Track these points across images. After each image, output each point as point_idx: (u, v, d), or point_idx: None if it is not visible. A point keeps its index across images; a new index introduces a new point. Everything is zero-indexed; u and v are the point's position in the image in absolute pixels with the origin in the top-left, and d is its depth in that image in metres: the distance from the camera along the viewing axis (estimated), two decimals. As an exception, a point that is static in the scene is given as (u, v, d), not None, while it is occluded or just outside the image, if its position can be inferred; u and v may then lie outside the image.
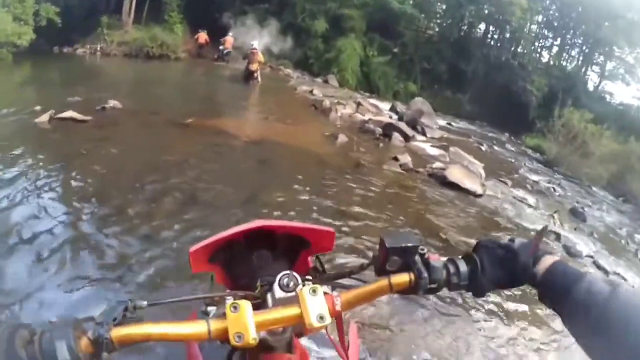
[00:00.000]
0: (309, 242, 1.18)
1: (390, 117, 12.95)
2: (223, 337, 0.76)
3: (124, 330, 0.70)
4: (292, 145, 7.72)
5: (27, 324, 0.66)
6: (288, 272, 0.91)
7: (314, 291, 0.81)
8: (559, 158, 16.07)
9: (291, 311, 0.80)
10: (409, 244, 0.85)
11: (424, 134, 12.08)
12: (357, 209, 5.34)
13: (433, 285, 0.84)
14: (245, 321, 0.75)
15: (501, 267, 0.83)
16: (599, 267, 6.07)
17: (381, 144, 9.42)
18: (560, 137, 16.79)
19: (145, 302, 0.78)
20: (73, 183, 4.70)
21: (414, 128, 11.64)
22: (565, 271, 0.75)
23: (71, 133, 6.46)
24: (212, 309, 0.92)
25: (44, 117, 6.76)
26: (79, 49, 18.64)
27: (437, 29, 28.09)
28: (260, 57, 14.61)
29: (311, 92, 14.63)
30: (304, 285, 0.86)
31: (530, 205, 8.33)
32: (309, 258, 1.21)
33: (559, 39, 31.59)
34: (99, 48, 18.85)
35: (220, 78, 15.42)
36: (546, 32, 31.75)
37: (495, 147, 15.93)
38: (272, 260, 1.12)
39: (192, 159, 5.95)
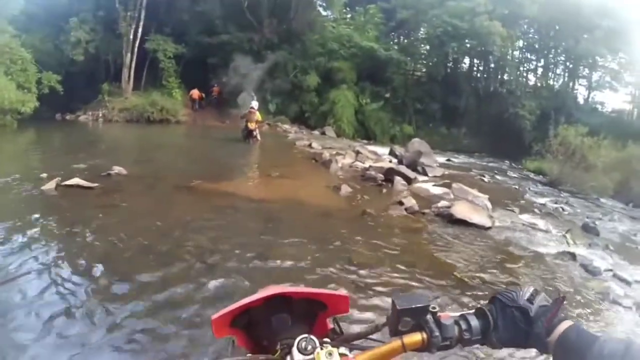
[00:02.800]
0: (325, 305, 1.20)
1: (390, 162, 13.15)
2: None
3: None
4: (296, 201, 7.81)
5: None
6: (306, 335, 0.93)
7: (330, 354, 0.85)
8: (562, 176, 16.10)
9: None
10: (419, 304, 0.86)
11: (425, 174, 12.24)
12: (366, 258, 5.33)
13: (446, 343, 0.85)
14: None
15: (515, 328, 0.83)
16: (620, 279, 6.00)
17: (384, 190, 9.52)
18: (559, 155, 16.84)
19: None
20: (82, 250, 4.73)
21: (414, 169, 11.81)
22: (579, 336, 0.75)
23: (78, 200, 6.58)
24: None
25: (51, 185, 6.88)
26: (82, 116, 19.37)
27: (424, 70, 28.94)
28: (258, 116, 15.32)
29: (310, 145, 15.02)
30: (321, 348, 0.90)
31: (540, 230, 8.27)
32: (327, 320, 1.24)
33: (542, 60, 32.53)
34: (100, 114, 19.59)
35: (221, 139, 15.85)
36: (529, 56, 32.74)
37: (498, 177, 16.06)
38: (291, 323, 1.14)
39: (198, 222, 6.03)
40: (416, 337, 0.86)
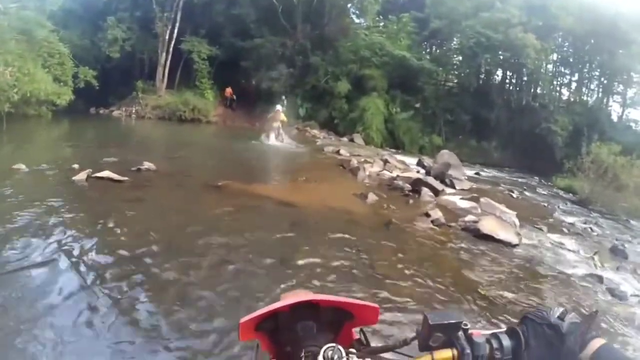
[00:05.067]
0: (352, 315, 1.18)
1: (418, 172, 13.13)
2: None
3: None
4: (322, 206, 7.88)
5: None
6: (333, 345, 0.93)
7: None
8: (592, 196, 15.69)
9: None
10: (452, 321, 0.86)
11: (452, 186, 12.15)
12: (391, 270, 5.34)
13: None
14: None
15: (547, 347, 0.83)
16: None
17: (411, 201, 9.52)
18: (591, 174, 16.42)
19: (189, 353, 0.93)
20: (108, 242, 4.87)
21: (442, 181, 11.74)
22: (612, 355, 0.76)
23: (108, 192, 6.77)
24: None
25: (82, 175, 7.11)
26: (115, 111, 19.89)
27: (455, 81, 28.75)
28: (283, 116, 16.38)
29: (338, 152, 15.13)
30: (347, 358, 0.90)
31: (568, 249, 8.11)
32: (353, 330, 1.23)
33: (576, 75, 31.82)
34: (134, 111, 20.08)
35: (250, 141, 16.09)
36: (563, 69, 32.04)
37: (527, 193, 15.79)
38: (316, 331, 1.12)
39: (224, 222, 6.15)
40: (446, 353, 0.85)
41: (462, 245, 6.93)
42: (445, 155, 14.30)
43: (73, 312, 3.44)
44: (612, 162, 16.16)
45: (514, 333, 0.87)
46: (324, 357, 0.91)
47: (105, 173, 7.33)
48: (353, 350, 0.97)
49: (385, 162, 13.75)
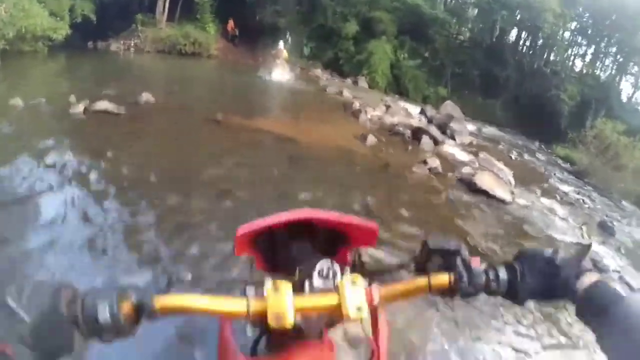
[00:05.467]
0: (349, 238, 1.18)
1: (420, 120, 12.85)
2: (261, 316, 0.77)
3: (167, 300, 0.73)
4: (322, 145, 7.77)
5: (72, 286, 0.70)
6: (328, 260, 0.93)
7: (354, 282, 0.82)
8: (590, 169, 15.60)
9: (330, 299, 0.81)
10: (451, 247, 0.87)
11: (453, 138, 11.94)
12: (384, 210, 5.35)
13: (471, 290, 0.84)
14: (284, 303, 0.77)
15: (542, 279, 0.82)
16: (626, 283, 5.92)
17: (410, 147, 9.37)
18: (592, 148, 16.38)
19: (189, 276, 0.87)
20: (105, 173, 4.82)
21: (443, 132, 11.54)
22: (606, 290, 0.75)
23: (105, 125, 6.61)
24: (250, 289, 0.91)
25: (79, 108, 6.91)
26: (113, 45, 19.02)
27: (468, 35, 27.80)
28: (285, 54, 16.51)
29: (341, 93, 14.73)
30: (342, 276, 0.90)
31: (559, 216, 8.11)
32: (348, 253, 1.22)
33: (592, 47, 30.98)
34: (132, 44, 19.22)
35: (252, 77, 15.63)
36: (580, 40, 31.14)
37: (526, 156, 15.66)
38: (312, 252, 1.12)
39: (223, 155, 6.05)
40: (443, 278, 0.85)
41: (456, 195, 6.88)
42: (449, 106, 13.94)
43: (73, 238, 3.48)
44: (615, 140, 16.07)
45: (511, 267, 0.85)
46: (319, 273, 0.91)
47: (103, 105, 7.11)
48: (348, 268, 0.97)
49: (388, 107, 13.41)
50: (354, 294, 0.81)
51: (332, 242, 1.20)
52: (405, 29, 23.29)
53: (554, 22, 24.15)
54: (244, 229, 1.00)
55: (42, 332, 0.64)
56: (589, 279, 0.78)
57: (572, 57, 30.80)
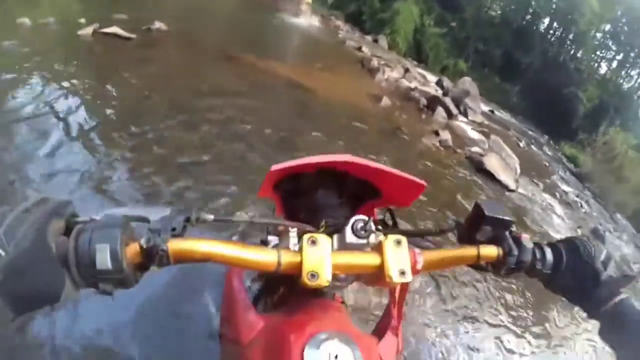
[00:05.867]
0: (379, 192, 1.07)
1: (436, 91, 12.49)
2: (293, 271, 0.68)
3: (184, 244, 0.61)
4: (334, 97, 7.41)
5: (69, 210, 0.57)
6: (365, 217, 0.81)
7: (399, 243, 0.73)
8: (593, 175, 15.57)
9: (372, 259, 0.72)
10: (506, 217, 0.79)
11: (465, 115, 11.61)
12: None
13: (517, 267, 0.77)
14: (322, 259, 0.68)
15: (580, 283, 0.77)
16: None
17: (423, 116, 9.07)
18: (600, 154, 16.30)
19: (211, 216, 0.70)
20: (109, 99, 4.52)
21: (457, 107, 11.21)
22: (633, 309, 0.72)
23: (113, 49, 6.18)
24: (273, 238, 0.84)
25: (88, 30, 6.44)
26: None
27: (499, 12, 26.87)
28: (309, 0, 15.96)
29: (359, 49, 14.09)
30: (376, 235, 0.81)
31: (556, 214, 8.09)
32: (375, 210, 1.13)
33: (621, 54, 30.21)
34: None
35: (273, 17, 14.87)
36: (610, 44, 30.29)
37: (533, 147, 15.44)
38: (338, 202, 1.05)
39: (231, 92, 5.73)
40: (492, 250, 0.78)
41: (463, 173, 6.68)
42: (467, 82, 13.45)
43: (72, 161, 3.31)
44: (624, 152, 15.97)
45: (557, 250, 0.79)
46: (352, 229, 0.81)
47: (113, 29, 6.60)
48: (380, 228, 0.87)
49: (406, 70, 12.96)
50: (399, 255, 0.72)
51: (360, 195, 1.09)
52: (436, -7, 22.40)
53: (590, 19, 23.40)
54: (277, 167, 0.87)
55: (21, 274, 0.50)
56: (618, 297, 0.73)
57: (598, 60, 30.07)
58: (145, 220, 0.61)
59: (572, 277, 0.77)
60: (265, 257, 0.67)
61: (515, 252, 0.76)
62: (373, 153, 5.55)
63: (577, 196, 11.81)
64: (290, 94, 6.88)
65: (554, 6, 24.90)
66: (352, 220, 0.82)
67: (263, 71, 7.29)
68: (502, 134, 12.36)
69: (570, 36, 27.09)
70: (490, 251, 0.77)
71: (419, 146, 6.82)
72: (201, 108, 4.86)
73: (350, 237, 0.81)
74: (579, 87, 23.59)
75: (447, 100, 10.26)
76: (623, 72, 30.30)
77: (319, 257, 0.68)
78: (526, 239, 0.79)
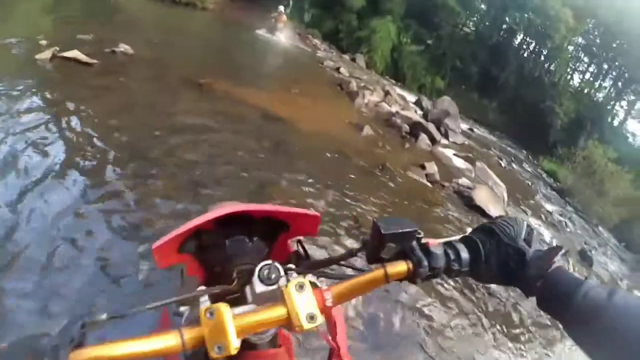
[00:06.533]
0: (287, 225, 1.09)
1: (416, 112, 12.34)
2: (201, 346, 0.65)
3: (85, 354, 0.59)
4: (313, 128, 7.01)
5: None
6: (269, 262, 0.82)
7: (301, 287, 0.71)
8: (573, 189, 15.73)
9: (277, 312, 0.70)
10: (407, 229, 0.77)
11: (446, 136, 11.48)
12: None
13: (432, 273, 0.75)
14: (224, 328, 0.65)
15: (506, 266, 0.75)
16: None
17: (407, 144, 8.77)
18: (579, 168, 16.46)
19: (104, 315, 0.66)
20: (60, 136, 4.03)
21: (437, 129, 11.04)
22: (564, 279, 0.72)
23: (73, 76, 5.67)
24: (185, 309, 0.80)
25: (47, 54, 5.96)
26: None
27: (474, 29, 27.09)
28: (285, 18, 16.03)
29: (338, 69, 13.93)
30: (287, 276, 0.81)
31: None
32: (289, 242, 1.14)
33: (593, 66, 30.85)
34: None
35: (245, 38, 14.51)
36: (582, 56, 30.95)
37: (514, 165, 15.48)
38: (249, 246, 1.04)
39: (199, 127, 5.23)
40: (401, 266, 0.76)
41: (453, 212, 6.36)
42: (446, 102, 13.36)
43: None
44: (603, 166, 16.14)
45: (473, 244, 0.78)
46: (259, 277, 0.81)
47: (74, 53, 6.08)
48: (292, 265, 0.87)
49: (387, 93, 12.75)
50: (303, 300, 0.70)
51: (270, 231, 1.09)
52: (412, 12, 22.37)
53: (564, 34, 23.76)
54: (161, 242, 0.87)
55: None
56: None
57: (571, 72, 30.53)
58: (44, 337, 0.57)
59: (496, 264, 0.76)
60: (169, 341, 0.63)
61: (425, 262, 0.75)
62: (360, 196, 5.15)
63: (561, 215, 11.92)
64: (266, 127, 6.38)
65: (527, 21, 25.16)
66: (257, 269, 0.81)
67: (237, 100, 6.85)
68: (483, 155, 12.37)
69: (545, 51, 27.45)
70: (399, 268, 0.76)
71: (406, 183, 6.47)
72: (162, 151, 4.29)
73: (259, 287, 0.80)
74: (554, 101, 23.84)
75: (431, 126, 10.08)
76: (596, 84, 30.89)
77: (219, 327, 0.65)
78: (435, 244, 0.77)
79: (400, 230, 0.77)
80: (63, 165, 3.56)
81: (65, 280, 2.50)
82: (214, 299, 0.76)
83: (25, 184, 3.18)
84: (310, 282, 0.73)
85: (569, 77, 29.72)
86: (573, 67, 30.27)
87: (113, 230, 3.00)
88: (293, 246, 1.11)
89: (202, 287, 0.83)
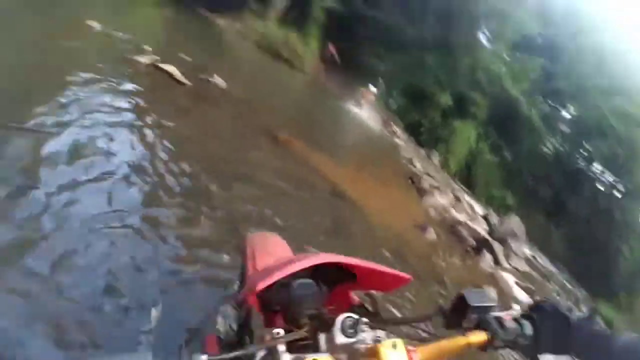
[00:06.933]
0: (353, 275, 1.11)
1: (482, 225, 12.03)
2: None
3: None
4: (377, 216, 6.94)
5: None
6: (350, 314, 0.84)
7: (394, 346, 0.73)
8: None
9: None
10: (490, 304, 0.89)
11: (507, 259, 11.03)
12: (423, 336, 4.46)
13: (503, 345, 0.87)
14: None
15: (557, 334, 0.87)
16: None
17: (469, 261, 8.52)
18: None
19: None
20: (132, 138, 4.25)
21: (502, 249, 10.65)
22: (597, 332, 0.85)
23: (160, 88, 6.04)
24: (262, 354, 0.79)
25: (145, 59, 6.42)
26: (220, 20, 18.75)
27: (554, 150, 26.49)
28: (372, 97, 16.94)
29: (411, 160, 13.94)
30: (369, 332, 0.83)
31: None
32: (351, 292, 1.16)
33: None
34: (237, 26, 18.93)
35: (331, 105, 15.01)
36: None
37: (571, 304, 14.43)
38: (313, 289, 1.04)
39: (263, 183, 5.19)
40: (481, 336, 0.86)
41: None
42: (515, 223, 12.96)
43: None
44: None
45: (531, 320, 0.90)
46: (342, 328, 0.82)
47: (171, 68, 6.56)
48: (366, 320, 0.88)
49: (457, 199, 12.60)
50: (396, 359, 0.73)
51: (334, 279, 1.11)
52: (494, 120, 22.32)
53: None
54: (265, 282, 0.91)
55: None
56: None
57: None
58: None
59: (548, 335, 0.87)
60: None
61: (501, 334, 0.86)
62: (408, 305, 4.91)
63: None
64: (331, 201, 6.32)
65: (608, 151, 24.34)
66: (340, 318, 0.81)
67: (309, 166, 6.92)
68: (543, 287, 11.79)
69: (621, 187, 26.30)
70: (479, 337, 0.86)
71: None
72: (220, 193, 4.28)
73: (340, 338, 0.80)
74: (624, 242, 22.55)
75: (497, 246, 9.79)
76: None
77: None
78: (508, 319, 0.88)
79: (485, 305, 0.87)
80: (122, 168, 3.69)
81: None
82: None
83: (79, 175, 3.30)
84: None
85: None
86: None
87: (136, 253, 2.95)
88: (355, 298, 1.15)
89: (279, 331, 0.82)
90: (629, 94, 23.45)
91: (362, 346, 0.78)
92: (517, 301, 8.16)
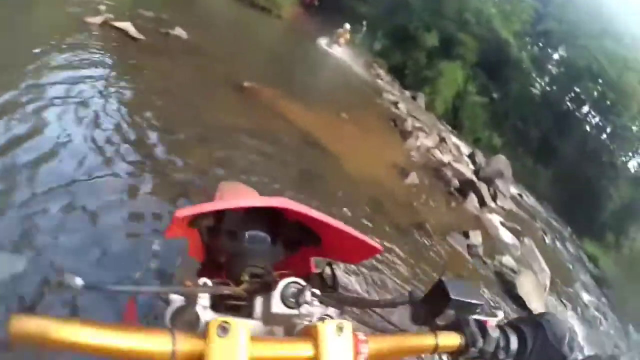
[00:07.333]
0: (319, 239, 0.95)
1: (468, 165, 11.70)
2: None
3: (30, 324, 0.45)
4: (355, 162, 6.54)
5: None
6: (297, 281, 0.70)
7: (341, 329, 0.60)
8: (612, 282, 14.80)
9: (302, 349, 0.59)
10: (474, 301, 0.71)
11: (494, 199, 10.76)
12: (399, 285, 4.26)
13: (479, 355, 0.69)
14: (234, 354, 0.52)
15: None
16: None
17: (453, 203, 8.17)
18: (624, 260, 15.53)
19: (79, 281, 0.51)
20: (77, 99, 3.89)
21: (488, 190, 10.36)
22: None
23: (114, 46, 5.53)
24: (177, 299, 0.64)
25: (97, 19, 5.92)
26: None
27: (540, 91, 25.99)
28: (347, 36, 15.99)
29: (396, 104, 13.36)
30: (312, 303, 0.69)
31: (579, 339, 7.17)
32: (311, 259, 1.02)
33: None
34: None
35: (305, 46, 14.31)
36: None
37: (558, 243, 14.58)
38: (268, 246, 0.92)
39: (228, 140, 4.81)
40: (453, 339, 0.69)
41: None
42: (502, 162, 12.58)
43: None
44: None
45: (521, 335, 0.72)
46: (282, 295, 0.68)
47: (125, 25, 6.03)
48: (317, 291, 0.71)
49: (442, 140, 12.16)
50: (339, 346, 0.59)
51: (296, 240, 0.97)
52: (483, 62, 21.63)
53: (636, 114, 22.58)
54: (186, 211, 0.75)
55: None
56: None
57: (632, 156, 28.86)
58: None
59: (537, 357, 0.70)
60: (154, 343, 0.49)
61: (480, 342, 0.68)
62: (388, 258, 4.56)
63: (597, 308, 11.21)
64: (302, 150, 5.87)
65: (598, 94, 24.00)
66: (282, 283, 0.69)
67: (279, 113, 6.44)
68: (530, 227, 11.82)
69: (609, 128, 26.07)
70: (452, 340, 0.69)
71: (443, 252, 5.85)
72: (180, 150, 3.98)
73: (277, 306, 0.67)
74: (610, 183, 22.57)
75: (483, 187, 9.45)
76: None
77: (229, 351, 0.51)
78: (492, 326, 0.70)
79: (469, 300, 0.70)
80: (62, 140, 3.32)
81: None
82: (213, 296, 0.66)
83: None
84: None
85: (629, 159, 28.06)
86: (635, 150, 28.65)
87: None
88: (314, 266, 1.01)
89: (206, 281, 0.68)
90: (619, 37, 23.28)
91: (303, 321, 0.66)
92: (504, 246, 7.95)
